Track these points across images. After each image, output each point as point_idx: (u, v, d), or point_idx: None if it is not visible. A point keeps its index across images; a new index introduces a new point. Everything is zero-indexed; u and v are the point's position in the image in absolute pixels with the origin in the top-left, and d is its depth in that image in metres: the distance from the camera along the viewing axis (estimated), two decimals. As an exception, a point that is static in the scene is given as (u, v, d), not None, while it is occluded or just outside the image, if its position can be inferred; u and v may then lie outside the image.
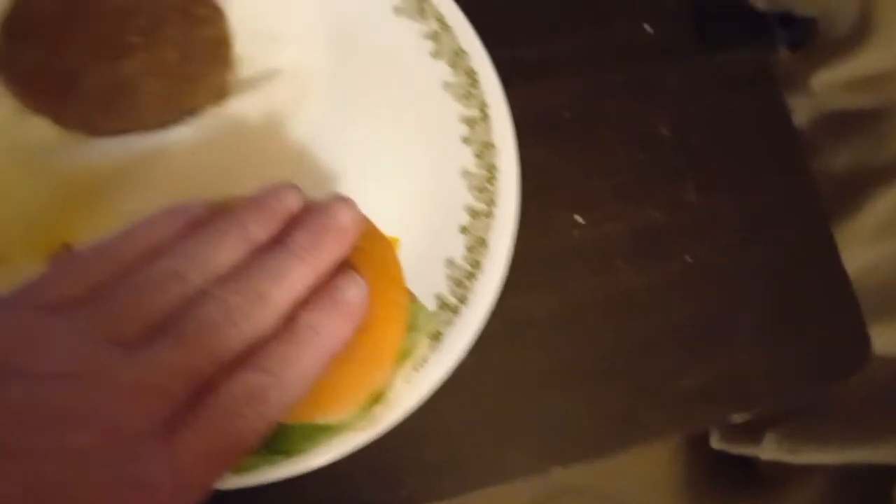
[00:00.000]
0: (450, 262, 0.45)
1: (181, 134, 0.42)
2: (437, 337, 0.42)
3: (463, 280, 0.44)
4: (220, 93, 0.43)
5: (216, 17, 0.44)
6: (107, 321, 0.27)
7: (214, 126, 0.43)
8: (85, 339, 0.26)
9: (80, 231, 0.41)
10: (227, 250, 0.29)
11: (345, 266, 0.33)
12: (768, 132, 0.53)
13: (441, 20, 0.48)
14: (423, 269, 0.41)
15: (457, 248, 0.45)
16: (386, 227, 0.38)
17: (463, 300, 0.44)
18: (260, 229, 0.31)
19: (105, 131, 0.42)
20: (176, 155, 0.42)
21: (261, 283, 0.28)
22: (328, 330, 0.29)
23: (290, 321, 0.29)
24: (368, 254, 0.35)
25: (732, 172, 0.52)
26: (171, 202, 0.40)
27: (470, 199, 0.46)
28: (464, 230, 0.45)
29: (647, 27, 0.54)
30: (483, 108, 0.47)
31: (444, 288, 0.44)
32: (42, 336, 0.25)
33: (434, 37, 0.48)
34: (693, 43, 0.53)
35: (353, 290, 0.31)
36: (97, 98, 0.41)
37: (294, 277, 0.29)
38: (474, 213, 0.46)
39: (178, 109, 0.42)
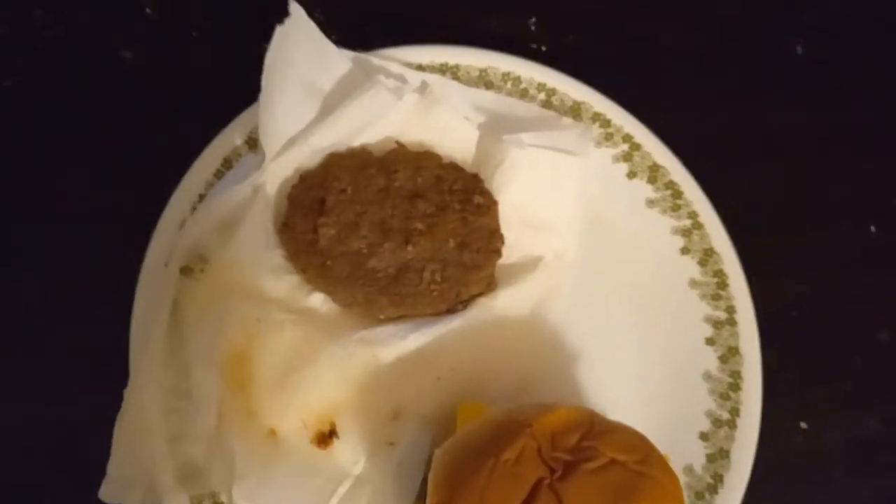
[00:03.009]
0: (689, 470, 0.45)
1: (453, 325, 0.43)
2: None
3: (703, 493, 0.44)
4: (490, 283, 0.44)
5: (491, 207, 0.45)
6: None
7: (483, 318, 0.43)
8: None
9: (348, 413, 0.42)
10: None
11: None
12: None
13: (694, 217, 0.48)
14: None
15: (697, 456, 0.45)
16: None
17: (704, 513, 0.44)
18: None
19: (384, 316, 0.43)
20: (447, 346, 0.42)
21: None
22: None
23: None
24: (659, 482, 0.35)
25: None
26: (440, 393, 0.41)
27: (712, 405, 0.46)
28: (704, 437, 0.45)
29: (872, 228, 0.54)
30: (730, 311, 0.47)
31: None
32: None
33: (685, 233, 0.48)
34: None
35: None
36: (382, 281, 0.42)
37: None
38: (716, 422, 0.46)
39: (454, 299, 0.43)
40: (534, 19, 0.53)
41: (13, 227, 0.47)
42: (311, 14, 0.43)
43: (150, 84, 0.49)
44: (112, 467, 0.37)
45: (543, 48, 0.53)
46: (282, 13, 0.42)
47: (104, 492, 0.37)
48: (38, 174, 0.48)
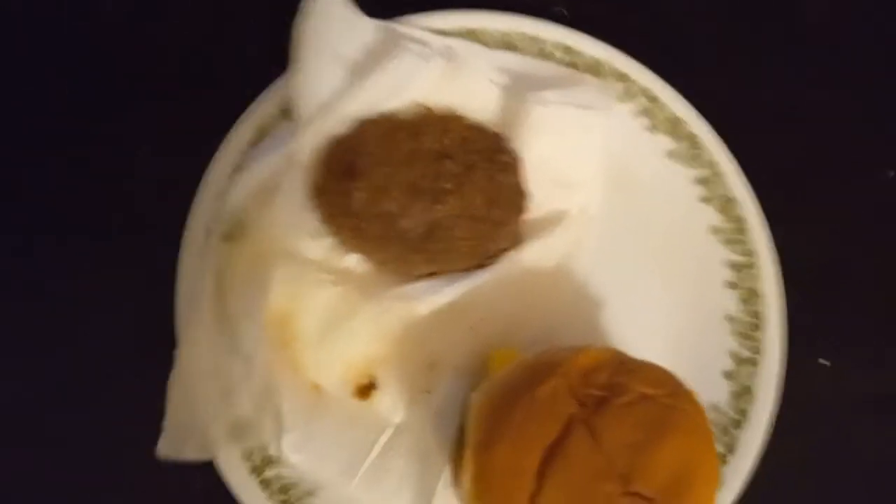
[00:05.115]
0: (714, 407, 0.47)
1: (483, 278, 0.45)
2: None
3: (728, 427, 0.46)
4: (517, 238, 0.46)
5: (516, 165, 0.47)
6: None
7: (511, 271, 0.45)
8: None
9: (386, 365, 0.45)
10: None
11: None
12: None
13: (713, 167, 0.49)
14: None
15: (721, 393, 0.47)
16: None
17: (730, 449, 0.46)
18: None
19: (417, 272, 0.45)
20: (478, 299, 0.44)
21: None
22: None
23: None
24: (688, 414, 0.37)
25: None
26: (473, 343, 0.43)
27: (734, 344, 0.48)
28: (728, 376, 0.47)
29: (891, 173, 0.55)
30: (750, 254, 0.49)
31: (711, 432, 0.45)
32: None
33: (704, 182, 0.49)
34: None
35: None
36: (414, 240, 0.44)
37: None
38: (739, 360, 0.47)
39: (483, 254, 0.45)
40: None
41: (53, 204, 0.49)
42: (336, -15, 0.44)
43: (185, 59, 0.51)
44: (168, 425, 0.40)
45: (565, 12, 0.53)
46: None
47: (162, 447, 0.40)
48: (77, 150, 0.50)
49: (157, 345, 0.43)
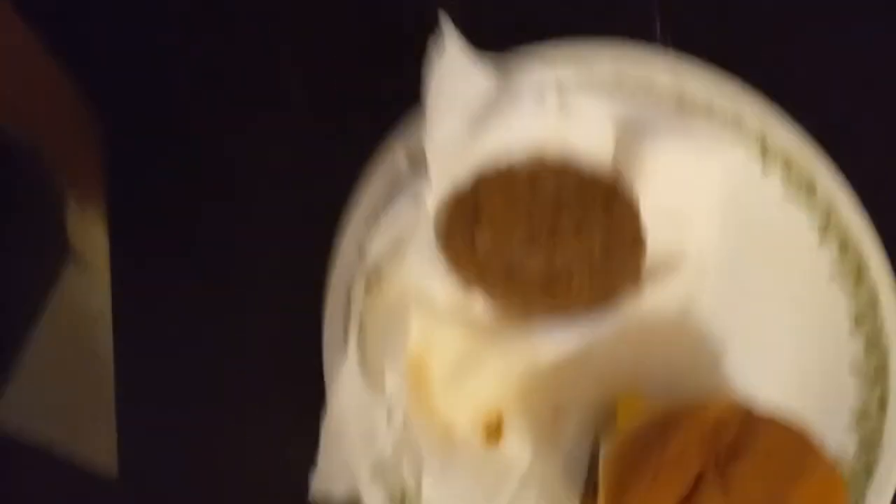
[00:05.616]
0: (840, 457, 0.46)
1: (604, 324, 0.46)
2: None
3: (856, 478, 0.46)
4: (637, 283, 0.47)
5: (632, 211, 0.48)
6: None
7: (632, 317, 0.46)
8: None
9: (513, 410, 0.46)
10: None
11: None
12: None
13: (831, 211, 0.49)
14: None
15: (847, 442, 0.46)
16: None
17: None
18: None
19: (539, 318, 0.46)
20: (602, 346, 0.45)
21: None
22: None
23: None
24: (820, 465, 0.38)
25: None
26: (597, 389, 0.44)
27: (860, 392, 0.47)
28: (853, 425, 0.47)
29: None
30: (873, 305, 0.48)
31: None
32: None
33: (822, 229, 0.49)
34: None
35: None
36: (535, 286, 0.46)
37: None
38: (864, 410, 0.47)
39: (602, 299, 0.46)
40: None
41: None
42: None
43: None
44: (320, 467, 0.42)
45: (668, 39, 0.54)
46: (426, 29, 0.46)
47: (315, 483, 0.42)
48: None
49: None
